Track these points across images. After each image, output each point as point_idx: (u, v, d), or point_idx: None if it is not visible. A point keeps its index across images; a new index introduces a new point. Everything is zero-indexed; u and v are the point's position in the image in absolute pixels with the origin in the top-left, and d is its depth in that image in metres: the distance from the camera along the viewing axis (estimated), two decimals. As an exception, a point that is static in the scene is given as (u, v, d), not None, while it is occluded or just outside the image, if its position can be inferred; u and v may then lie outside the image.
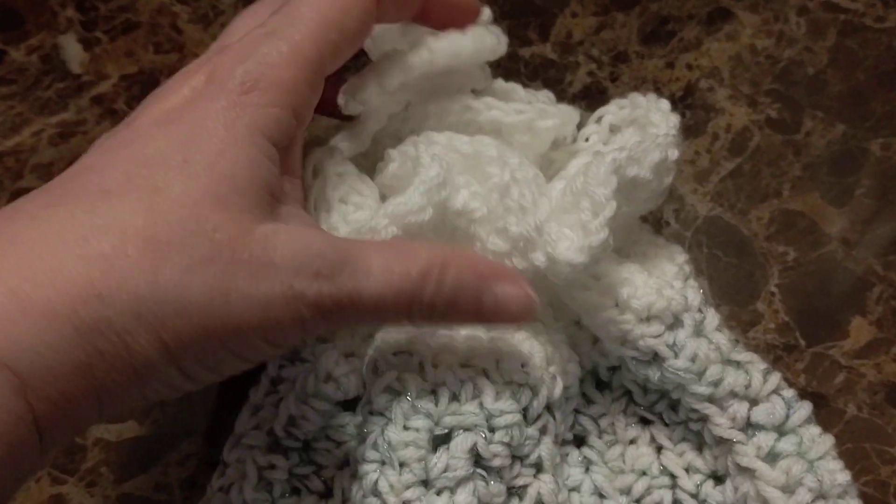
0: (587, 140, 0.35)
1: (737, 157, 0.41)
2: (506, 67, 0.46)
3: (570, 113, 0.34)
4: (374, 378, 0.29)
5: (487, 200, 0.30)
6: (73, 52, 0.45)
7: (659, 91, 0.44)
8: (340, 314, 0.23)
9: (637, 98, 0.34)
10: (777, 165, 0.41)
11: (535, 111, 0.33)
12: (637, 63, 0.44)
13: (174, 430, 0.36)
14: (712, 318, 0.31)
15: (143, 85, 0.45)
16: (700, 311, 0.31)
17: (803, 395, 0.32)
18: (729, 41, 0.44)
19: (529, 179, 0.29)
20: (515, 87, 0.35)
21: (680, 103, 0.43)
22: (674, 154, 0.30)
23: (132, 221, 0.21)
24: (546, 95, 0.36)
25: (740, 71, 0.43)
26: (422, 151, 0.29)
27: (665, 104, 0.33)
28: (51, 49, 0.46)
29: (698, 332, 0.30)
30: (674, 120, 0.32)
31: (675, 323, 0.30)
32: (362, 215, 0.29)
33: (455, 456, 0.28)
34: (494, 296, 0.25)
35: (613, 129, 0.35)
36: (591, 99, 0.44)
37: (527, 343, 0.30)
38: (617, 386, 0.33)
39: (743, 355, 0.30)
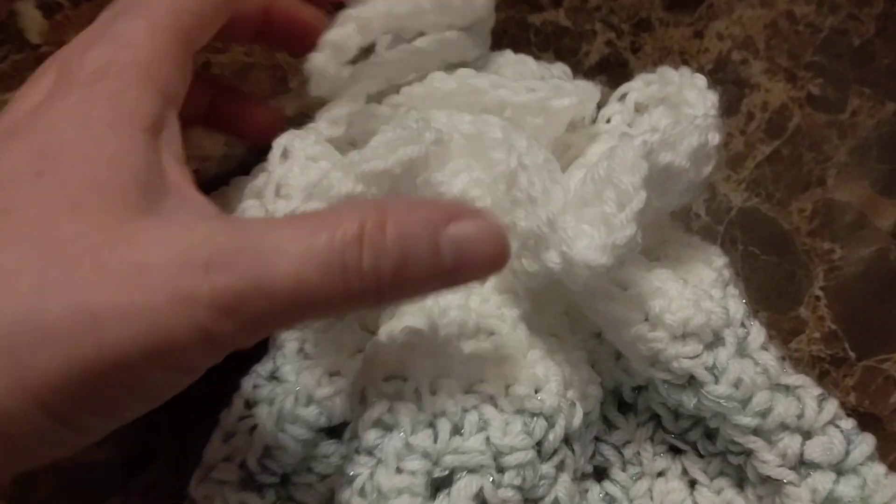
0: (609, 121, 0.31)
1: (774, 140, 0.37)
2: (513, 36, 0.41)
3: (588, 90, 0.29)
4: (361, 409, 0.25)
5: (492, 190, 0.25)
6: (31, 19, 0.41)
7: (686, 64, 0.39)
8: (252, 311, 0.19)
9: (667, 73, 0.29)
10: (820, 149, 0.37)
11: (549, 88, 0.29)
12: (661, 32, 0.40)
13: (136, 454, 0.32)
14: (757, 333, 0.27)
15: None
16: (743, 325, 0.27)
17: (853, 415, 0.29)
18: (764, 7, 0.40)
19: (539, 165, 0.25)
20: (525, 59, 0.32)
21: (710, 78, 0.38)
22: (714, 138, 0.26)
23: None
24: (561, 69, 0.32)
25: (777, 41, 0.39)
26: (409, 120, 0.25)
27: (701, 80, 0.29)
28: (6, 16, 0.41)
29: (742, 351, 0.26)
30: (712, 98, 0.28)
31: (714, 341, 0.26)
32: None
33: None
34: (453, 241, 0.20)
35: (639, 109, 0.30)
36: (610, 73, 0.40)
37: (541, 364, 0.26)
38: (643, 408, 0.29)
39: (794, 378, 0.26)
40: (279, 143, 0.27)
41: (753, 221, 0.36)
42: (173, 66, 0.23)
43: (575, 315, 0.28)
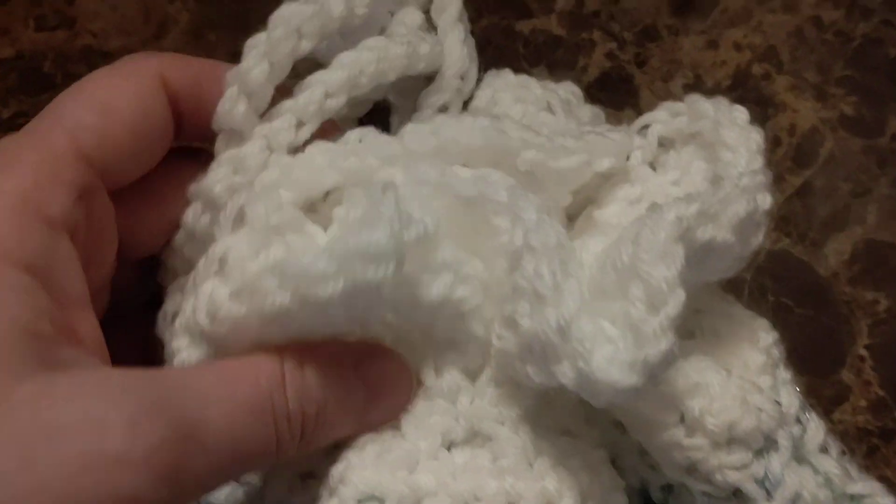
0: (627, 157, 0.25)
1: (804, 170, 0.34)
2: (498, 47, 0.37)
3: (625, 144, 0.24)
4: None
5: (490, 269, 0.21)
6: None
7: (700, 79, 0.35)
8: (189, 470, 0.18)
9: (698, 103, 0.25)
10: (857, 179, 0.33)
11: (588, 147, 0.24)
12: (670, 41, 0.36)
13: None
14: (816, 429, 0.23)
15: (20, 73, 0.37)
16: (799, 421, 0.23)
17: None
18: (787, 13, 0.37)
19: (551, 248, 0.20)
20: (528, 82, 0.27)
21: (727, 95, 0.34)
22: (765, 201, 0.22)
23: None
24: (569, 91, 0.28)
25: (803, 52, 0.36)
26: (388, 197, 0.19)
27: (741, 114, 0.24)
28: None
29: (799, 455, 0.22)
30: (756, 140, 0.23)
31: (766, 446, 0.22)
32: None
33: None
34: (363, 382, 0.21)
35: (664, 144, 0.26)
36: (612, 90, 0.36)
37: (552, 475, 0.22)
38: (674, 511, 0.26)
39: (862, 485, 0.23)
40: (234, 205, 0.21)
41: (785, 267, 0.32)
42: (62, 185, 0.20)
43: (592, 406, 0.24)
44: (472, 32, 0.27)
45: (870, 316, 0.31)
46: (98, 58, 0.37)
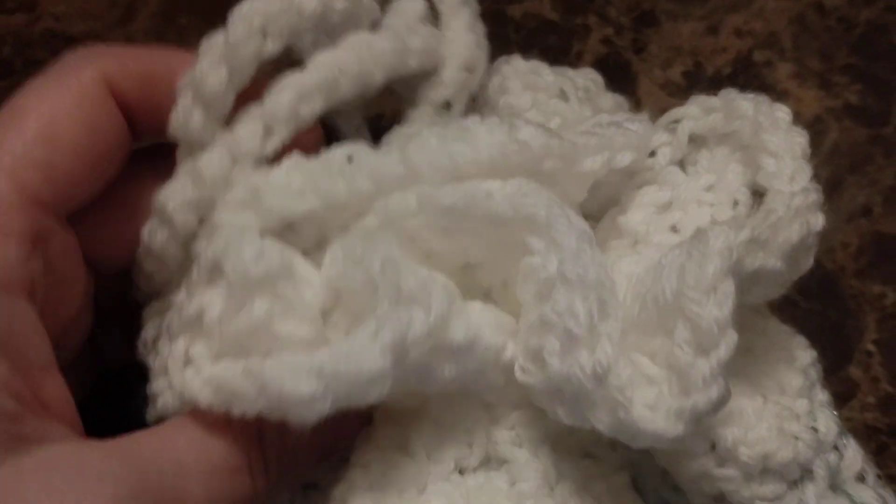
0: (652, 154, 0.23)
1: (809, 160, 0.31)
2: (489, 33, 0.34)
3: (646, 136, 0.22)
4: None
5: (522, 294, 0.19)
6: None
7: (700, 66, 0.34)
8: None
9: (734, 100, 0.23)
10: (863, 171, 0.32)
11: (606, 142, 0.21)
12: (668, 27, 0.35)
13: None
14: (853, 457, 0.22)
15: (-25, 63, 0.35)
16: (836, 447, 0.21)
17: None
18: None
19: (589, 284, 0.18)
20: (539, 68, 0.25)
21: (728, 83, 0.33)
22: (818, 222, 0.21)
23: None
24: (589, 78, 0.26)
25: (806, 39, 0.34)
26: (388, 271, 0.17)
27: (784, 114, 0.22)
28: None
29: (834, 484, 0.21)
30: (802, 144, 0.21)
31: (801, 476, 0.21)
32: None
33: None
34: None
35: (695, 141, 0.23)
36: (608, 77, 0.33)
37: (574, 502, 0.20)
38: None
39: None
40: (209, 254, 0.19)
41: None
42: (10, 246, 0.18)
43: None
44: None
45: (877, 310, 0.30)
46: (61, 43, 0.34)
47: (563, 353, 0.17)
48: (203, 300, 0.18)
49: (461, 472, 0.20)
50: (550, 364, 0.17)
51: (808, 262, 0.21)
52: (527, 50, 0.35)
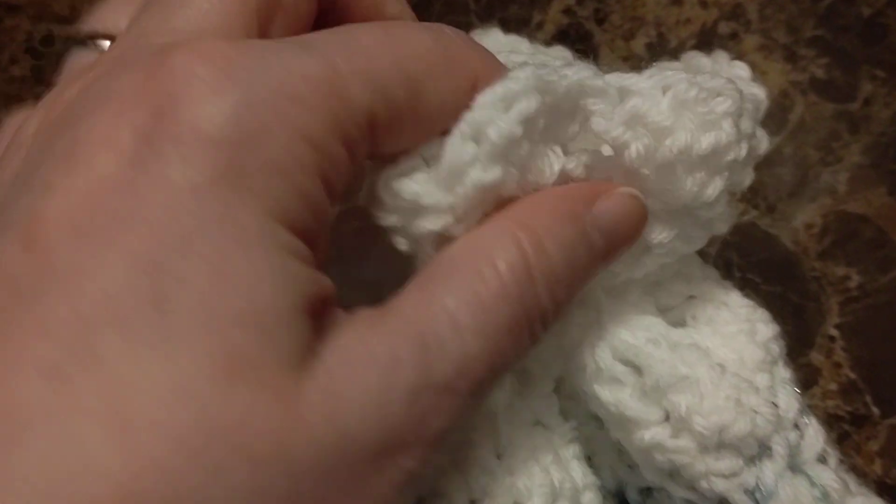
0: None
1: (773, 136, 0.31)
2: (447, 2, 0.33)
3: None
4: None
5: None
6: None
7: (663, 38, 0.32)
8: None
9: (696, 59, 0.22)
10: (828, 147, 0.31)
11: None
12: None
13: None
14: (815, 436, 0.21)
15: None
16: (797, 426, 0.20)
17: (881, 491, 0.23)
18: None
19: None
20: (518, 42, 0.25)
21: None
22: (764, 141, 0.20)
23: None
24: (560, 54, 0.25)
25: (772, 10, 0.33)
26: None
27: (744, 70, 0.21)
28: None
29: (794, 463, 0.20)
30: (760, 95, 0.21)
31: (759, 452, 0.20)
32: None
33: None
34: (600, 228, 0.18)
35: None
36: (569, 49, 0.32)
37: (522, 470, 0.19)
38: (653, 515, 0.23)
39: (862, 500, 0.21)
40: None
41: (751, 241, 0.30)
42: (348, 137, 0.16)
43: (568, 391, 0.22)
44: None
45: (841, 293, 0.29)
46: None
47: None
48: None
49: None
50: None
51: (746, 180, 0.21)
52: (486, 19, 0.34)
